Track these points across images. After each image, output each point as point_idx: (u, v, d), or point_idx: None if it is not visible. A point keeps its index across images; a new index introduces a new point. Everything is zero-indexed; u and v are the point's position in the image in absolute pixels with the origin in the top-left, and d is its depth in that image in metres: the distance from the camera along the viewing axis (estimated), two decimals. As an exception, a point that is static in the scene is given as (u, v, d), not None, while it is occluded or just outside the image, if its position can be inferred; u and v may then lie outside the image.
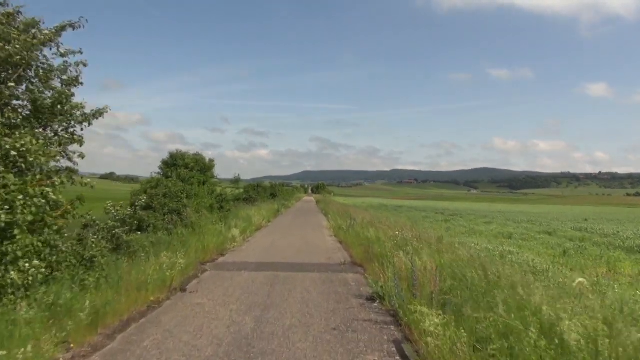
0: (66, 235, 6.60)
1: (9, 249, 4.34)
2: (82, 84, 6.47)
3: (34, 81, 5.65)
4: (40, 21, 5.54)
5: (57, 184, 5.38)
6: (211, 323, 4.84)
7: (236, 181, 27.06)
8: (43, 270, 4.68)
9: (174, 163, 14.35)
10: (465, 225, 26.17)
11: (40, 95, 5.76)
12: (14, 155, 4.67)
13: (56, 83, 6.10)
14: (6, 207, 4.34)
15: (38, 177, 5.08)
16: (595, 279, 9.90)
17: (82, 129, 6.39)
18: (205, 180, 15.00)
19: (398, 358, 3.94)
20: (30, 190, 4.65)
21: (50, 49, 5.63)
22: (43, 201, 4.84)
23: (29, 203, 4.59)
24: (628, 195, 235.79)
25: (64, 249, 5.99)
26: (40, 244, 4.82)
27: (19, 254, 4.39)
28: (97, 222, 8.57)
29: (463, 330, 3.62)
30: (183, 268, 7.46)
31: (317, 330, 4.64)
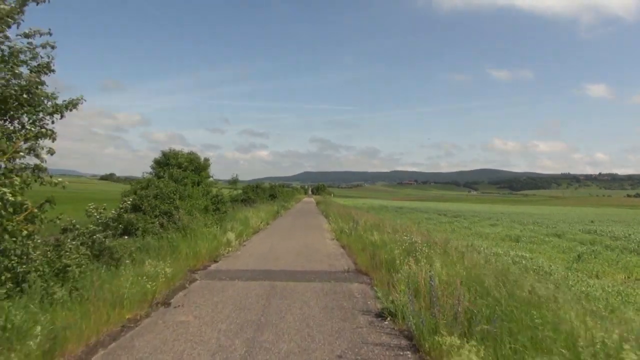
0: (39, 241, 5.87)
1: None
2: (53, 71, 5.73)
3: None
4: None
5: (16, 183, 4.64)
6: (194, 349, 4.07)
7: (234, 182, 26.29)
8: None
9: (167, 162, 13.59)
10: (469, 227, 25.42)
11: (1, 82, 5.03)
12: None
13: (24, 70, 5.36)
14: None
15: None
16: (619, 287, 9.17)
17: (52, 122, 5.64)
18: (200, 181, 14.24)
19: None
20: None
21: (10, 28, 4.89)
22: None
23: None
24: (629, 196, 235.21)
25: (34, 256, 5.26)
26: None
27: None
28: (77, 226, 7.83)
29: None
30: (169, 278, 6.69)
31: (319, 359, 3.88)
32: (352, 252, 10.80)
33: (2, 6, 4.66)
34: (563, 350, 2.84)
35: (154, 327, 4.75)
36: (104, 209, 8.28)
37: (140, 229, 10.41)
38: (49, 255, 5.86)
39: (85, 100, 5.85)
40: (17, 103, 5.34)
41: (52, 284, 5.32)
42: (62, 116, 5.72)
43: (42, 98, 5.53)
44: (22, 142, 5.36)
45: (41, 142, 5.58)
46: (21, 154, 5.21)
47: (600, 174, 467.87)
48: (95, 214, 8.05)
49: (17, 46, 5.03)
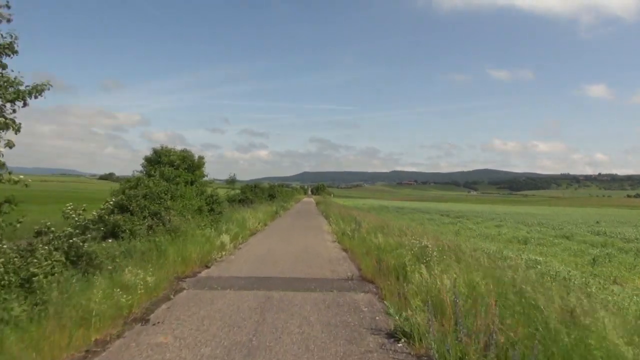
0: (5, 246, 5.15)
1: None
2: (16, 52, 5.00)
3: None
4: None
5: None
6: (168, 383, 3.32)
7: (232, 181, 25.49)
8: None
9: (158, 160, 12.82)
10: (474, 228, 24.69)
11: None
12: None
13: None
14: None
15: None
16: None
17: (14, 110, 4.89)
18: (194, 180, 13.46)
19: None
20: None
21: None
22: None
23: None
24: (629, 196, 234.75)
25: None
26: None
27: None
28: (53, 229, 7.07)
29: None
30: (151, 288, 5.94)
31: (322, 397, 3.13)
32: (355, 256, 10.05)
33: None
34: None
35: (125, 351, 3.98)
36: (84, 210, 7.54)
37: (127, 231, 9.68)
38: (16, 263, 5.14)
39: (51, 86, 5.10)
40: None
41: (14, 296, 4.60)
42: (25, 104, 4.98)
43: (3, 83, 4.80)
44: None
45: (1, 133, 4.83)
46: (-30, 147, 4.48)
47: (599, 174, 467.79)
48: (74, 215, 7.32)
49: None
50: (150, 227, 10.21)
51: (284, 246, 11.88)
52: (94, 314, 4.41)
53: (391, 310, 5.01)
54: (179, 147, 13.76)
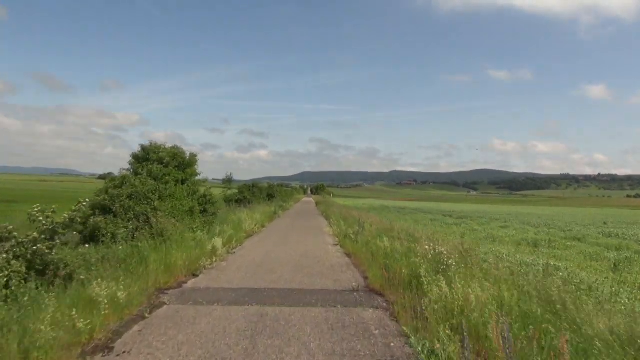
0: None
1: None
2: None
3: None
4: None
5: None
6: None
7: (228, 181, 24.54)
8: None
9: (147, 157, 11.90)
10: (479, 229, 23.79)
11: None
12: None
13: None
14: None
15: None
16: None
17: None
18: (185, 179, 12.53)
19: None
20: None
21: None
22: None
23: None
24: (629, 197, 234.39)
25: None
26: None
27: None
28: (15, 233, 6.19)
29: None
30: (123, 304, 5.03)
31: None
32: (360, 261, 9.15)
33: None
34: None
35: (71, 398, 3.07)
36: (53, 212, 6.63)
37: (109, 234, 8.77)
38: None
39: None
40: None
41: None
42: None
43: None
44: None
45: None
46: None
47: (599, 174, 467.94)
48: (42, 218, 6.40)
49: None
50: (135, 230, 9.31)
51: (281, 250, 10.96)
52: (38, 344, 3.49)
53: (412, 339, 4.08)
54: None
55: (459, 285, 5.12)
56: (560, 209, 78.92)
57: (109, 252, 7.62)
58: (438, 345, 3.55)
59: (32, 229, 6.29)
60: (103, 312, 4.44)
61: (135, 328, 4.65)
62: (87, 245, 7.46)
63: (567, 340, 2.62)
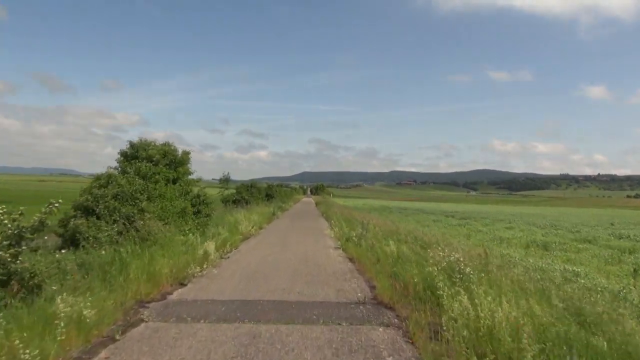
0: None
1: None
2: None
3: None
4: None
5: None
6: None
7: (225, 180, 23.78)
8: None
9: (135, 155, 11.15)
10: (484, 230, 23.04)
11: None
12: None
13: None
14: None
15: None
16: None
17: None
18: (177, 178, 11.77)
19: None
20: None
21: None
22: None
23: None
24: (628, 197, 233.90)
25: None
26: None
27: None
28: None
29: None
30: (91, 324, 4.27)
31: None
32: (365, 268, 8.40)
33: None
34: None
35: None
36: (20, 214, 5.86)
37: (90, 238, 8.04)
38: None
39: None
40: None
41: None
42: None
43: None
44: None
45: None
46: None
47: (599, 174, 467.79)
48: (6, 221, 5.64)
49: None
50: (120, 234, 8.57)
51: (279, 255, 10.20)
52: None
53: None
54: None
55: (485, 300, 4.37)
56: (563, 210, 78.19)
57: (88, 258, 6.88)
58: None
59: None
60: (58, 338, 3.67)
61: (102, 354, 3.89)
62: (63, 251, 6.72)
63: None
